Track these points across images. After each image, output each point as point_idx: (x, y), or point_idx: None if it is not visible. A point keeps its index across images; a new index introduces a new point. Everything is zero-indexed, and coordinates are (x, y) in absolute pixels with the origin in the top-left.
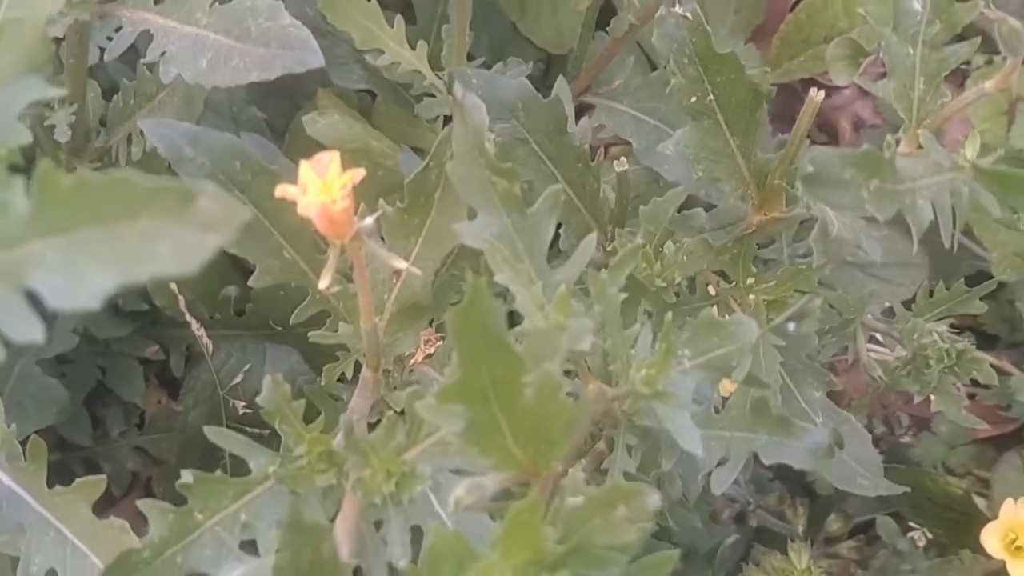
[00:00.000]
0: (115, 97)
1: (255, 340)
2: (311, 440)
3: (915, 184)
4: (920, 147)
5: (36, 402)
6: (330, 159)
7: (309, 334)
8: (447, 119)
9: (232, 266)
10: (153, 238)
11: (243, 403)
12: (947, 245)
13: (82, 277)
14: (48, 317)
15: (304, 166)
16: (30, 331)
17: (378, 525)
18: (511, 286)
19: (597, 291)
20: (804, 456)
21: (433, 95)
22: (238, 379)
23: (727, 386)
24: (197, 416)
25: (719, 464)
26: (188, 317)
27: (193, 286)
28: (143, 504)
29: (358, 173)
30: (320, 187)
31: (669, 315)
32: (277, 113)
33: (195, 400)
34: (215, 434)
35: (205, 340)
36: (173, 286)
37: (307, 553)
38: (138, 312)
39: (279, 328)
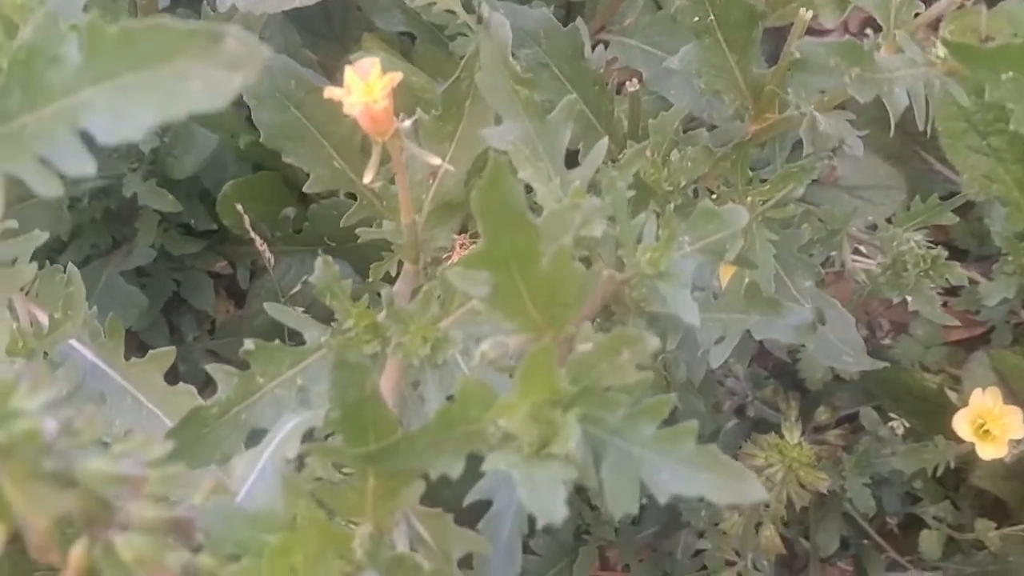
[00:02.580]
0: None
1: (312, 255)
2: (358, 314)
3: (892, 75)
4: (898, 49)
5: (120, 306)
6: (371, 64)
7: (358, 230)
8: None
9: (290, 190)
10: (186, 78)
11: (302, 308)
12: (920, 128)
13: (127, 116)
14: (128, 235)
15: (348, 71)
16: (84, 166)
17: (415, 385)
18: (532, 182)
19: (607, 185)
20: (791, 331)
21: (465, 34)
22: (297, 288)
23: (727, 271)
24: (261, 321)
25: (717, 342)
26: (252, 235)
27: (256, 208)
28: (211, 368)
29: (396, 76)
30: (363, 89)
31: (671, 206)
32: (328, 55)
33: (260, 306)
34: (275, 310)
35: (268, 255)
36: (239, 207)
37: (352, 389)
38: (208, 231)
39: (333, 244)
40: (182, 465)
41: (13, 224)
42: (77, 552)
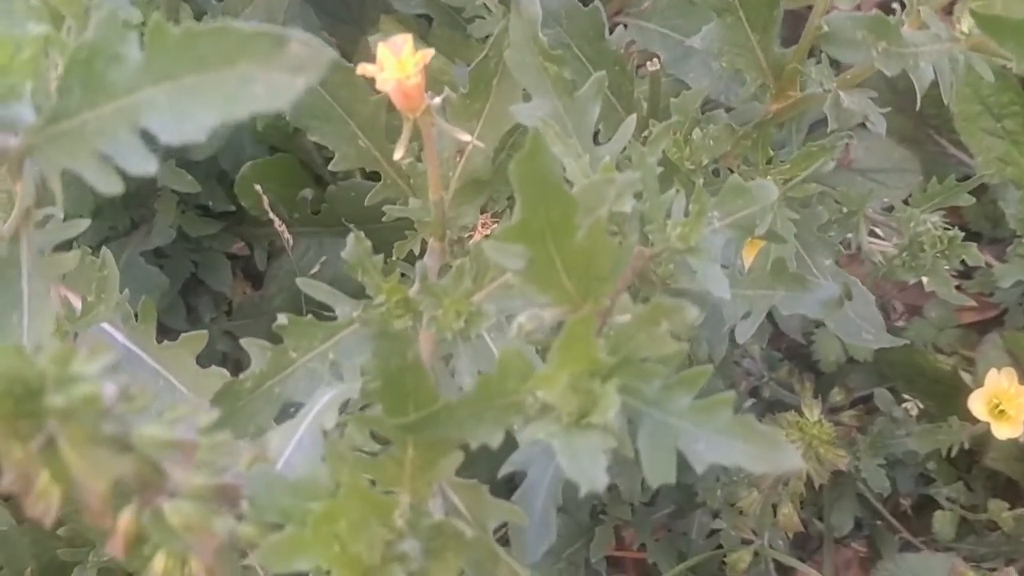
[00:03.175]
0: (204, 17)
1: (330, 236)
2: (389, 289)
3: (918, 49)
4: (922, 26)
5: (142, 286)
6: (404, 40)
7: (384, 207)
8: None
9: (307, 172)
10: (249, 80)
11: None
12: (946, 102)
13: (189, 116)
14: (146, 216)
15: (381, 47)
16: (145, 165)
17: (447, 360)
18: (562, 158)
19: (637, 159)
20: (817, 307)
21: (483, 16)
22: (315, 269)
23: (749, 251)
24: (280, 301)
25: (743, 318)
26: (272, 216)
27: (274, 189)
28: (245, 342)
29: (428, 52)
30: (396, 65)
31: (700, 181)
32: (346, 39)
33: (278, 287)
34: (307, 285)
35: (286, 235)
36: (258, 187)
37: (394, 358)
38: (226, 212)
39: (351, 225)
40: (227, 433)
41: (53, 211)
42: (126, 518)
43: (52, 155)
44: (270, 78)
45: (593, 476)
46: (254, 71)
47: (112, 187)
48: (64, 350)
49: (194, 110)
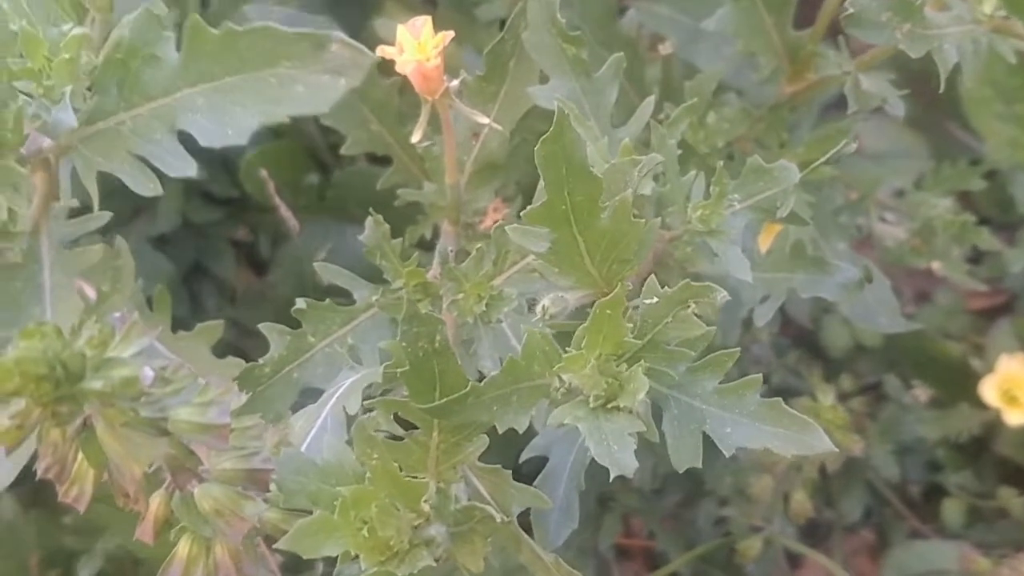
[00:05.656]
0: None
1: (335, 223)
2: (408, 273)
3: (942, 31)
4: (943, 7)
5: (147, 273)
6: (424, 22)
7: (399, 191)
8: (502, 23)
9: (312, 159)
10: (290, 82)
11: None
12: (968, 85)
13: (229, 118)
14: (149, 202)
15: (401, 29)
16: (184, 167)
17: (467, 345)
18: None
19: (658, 141)
20: (837, 290)
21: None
22: (322, 255)
23: (765, 237)
24: (286, 287)
25: (762, 301)
26: (278, 201)
27: (279, 175)
28: (264, 327)
29: (448, 34)
30: (415, 47)
31: (720, 163)
32: (350, 22)
33: (284, 274)
34: (324, 270)
35: (292, 221)
36: (263, 173)
37: (423, 342)
38: (231, 199)
39: (357, 211)
40: (255, 417)
41: (75, 203)
42: (158, 502)
43: (88, 156)
44: (311, 79)
45: (622, 460)
46: (295, 72)
47: (151, 190)
48: (102, 333)
49: (234, 111)
